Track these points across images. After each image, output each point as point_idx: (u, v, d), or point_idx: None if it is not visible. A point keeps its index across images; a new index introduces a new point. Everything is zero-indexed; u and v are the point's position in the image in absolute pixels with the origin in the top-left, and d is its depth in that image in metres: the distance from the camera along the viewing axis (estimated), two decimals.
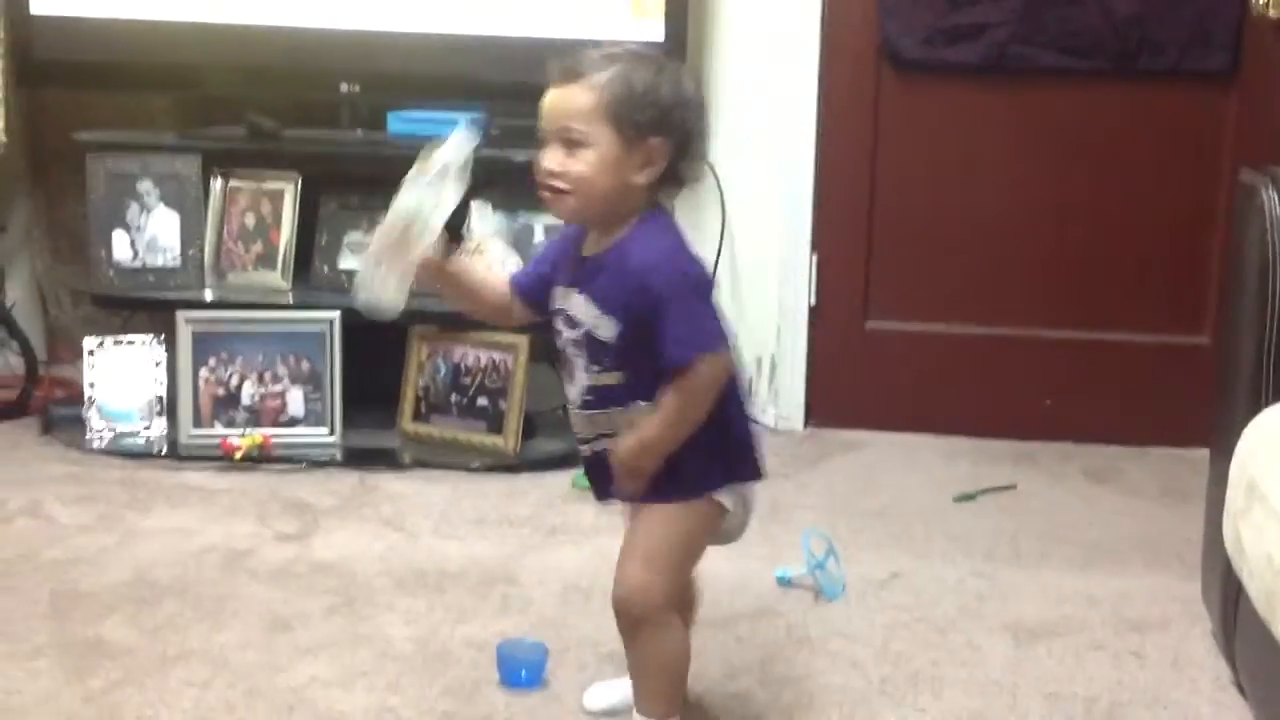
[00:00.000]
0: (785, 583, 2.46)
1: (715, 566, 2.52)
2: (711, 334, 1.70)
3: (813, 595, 2.42)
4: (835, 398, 3.41)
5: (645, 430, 1.73)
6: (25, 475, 2.91)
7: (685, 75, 1.78)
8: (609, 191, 1.71)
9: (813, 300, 3.38)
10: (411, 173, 1.75)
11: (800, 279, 3.36)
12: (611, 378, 1.75)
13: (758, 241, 3.35)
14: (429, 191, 1.73)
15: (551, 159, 1.71)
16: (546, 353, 3.22)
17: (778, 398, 3.41)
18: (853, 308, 3.38)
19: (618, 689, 2.00)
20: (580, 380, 1.78)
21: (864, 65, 3.28)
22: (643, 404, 1.75)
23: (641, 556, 1.81)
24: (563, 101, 1.71)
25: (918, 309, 3.37)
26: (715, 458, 1.79)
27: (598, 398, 1.78)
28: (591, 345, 1.75)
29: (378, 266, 1.75)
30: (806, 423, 3.41)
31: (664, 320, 1.68)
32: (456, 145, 1.75)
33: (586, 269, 1.77)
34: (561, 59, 1.74)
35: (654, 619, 1.81)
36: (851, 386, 3.40)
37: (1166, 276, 3.29)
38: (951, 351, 3.36)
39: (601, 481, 1.84)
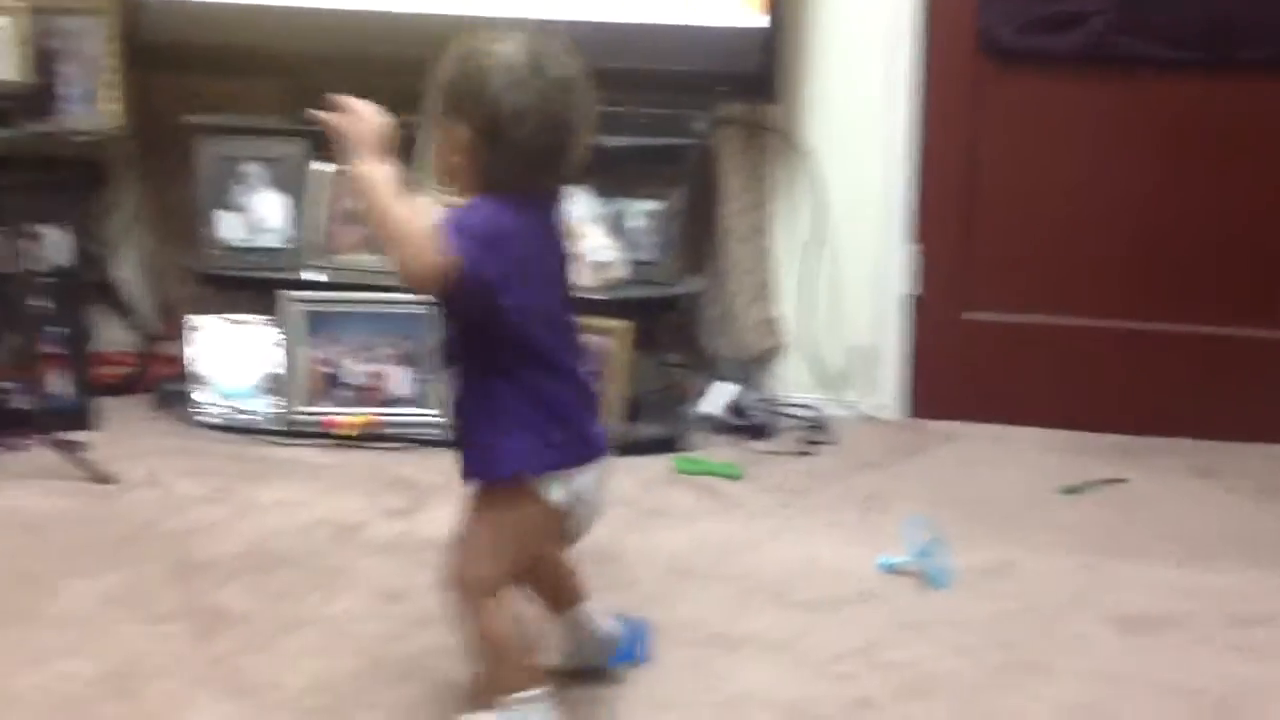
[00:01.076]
0: (889, 570, 2.46)
1: (814, 551, 2.55)
2: (444, 237, 1.65)
3: (917, 582, 2.42)
4: (933, 389, 3.40)
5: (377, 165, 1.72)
6: (141, 449, 2.98)
7: (504, 65, 1.72)
8: (443, 172, 1.76)
9: (911, 290, 3.37)
10: None
11: (898, 269, 3.36)
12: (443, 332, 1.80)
13: (856, 231, 3.35)
14: None
15: None
16: (642, 338, 3.27)
17: (874, 388, 3.41)
18: (951, 298, 3.37)
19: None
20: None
21: (963, 54, 3.27)
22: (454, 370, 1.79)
23: (460, 541, 1.82)
24: None
25: (1017, 300, 3.35)
26: (513, 430, 1.75)
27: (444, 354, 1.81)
28: None
29: None
30: (904, 413, 3.41)
31: None
32: None
33: None
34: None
35: (462, 604, 1.80)
36: (950, 377, 3.39)
37: (1273, 269, 3.25)
38: (1051, 343, 3.34)
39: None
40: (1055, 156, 3.29)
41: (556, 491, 1.77)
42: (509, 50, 1.73)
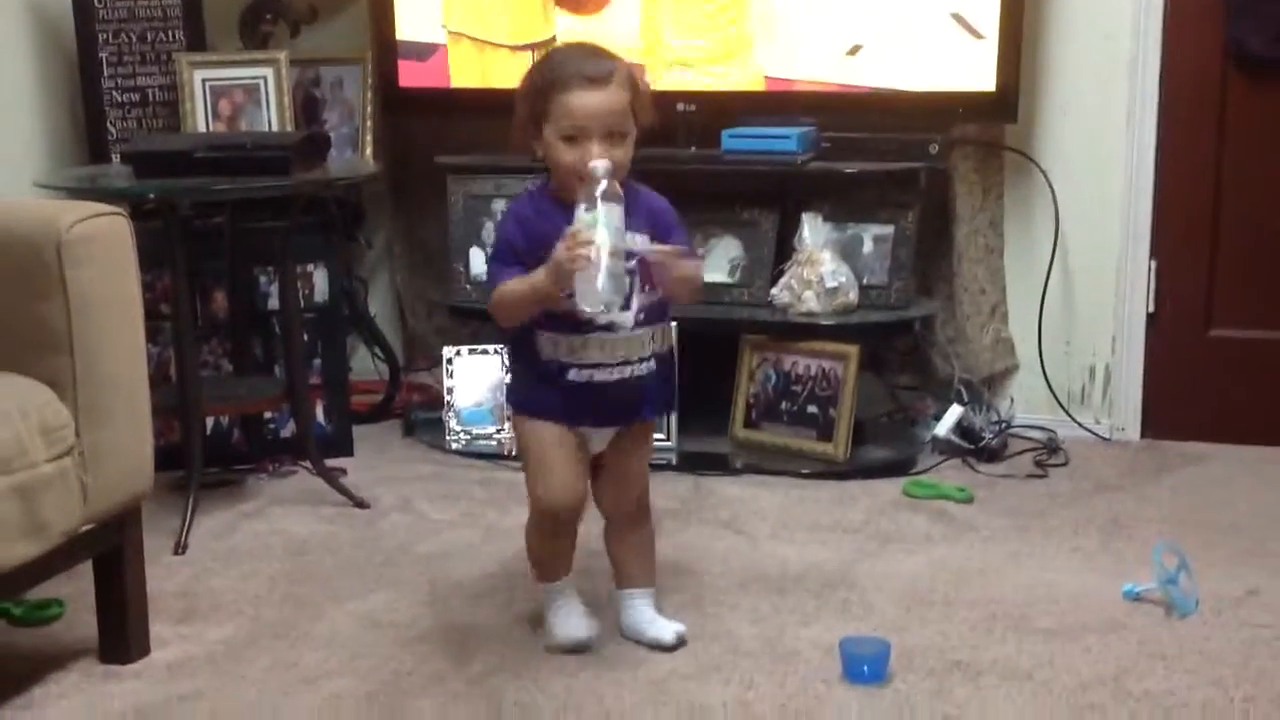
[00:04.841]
0: (1133, 597, 2.42)
1: (1054, 577, 2.52)
2: None
3: (1163, 610, 2.37)
4: (1175, 408, 3.31)
5: None
6: (394, 474, 3.15)
7: None
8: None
9: (1151, 307, 3.29)
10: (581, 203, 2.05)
11: (1138, 285, 3.28)
12: (655, 295, 2.15)
13: (1093, 246, 3.30)
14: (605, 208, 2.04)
15: (602, 152, 2.02)
16: (872, 362, 3.27)
17: (1112, 407, 3.34)
18: (1194, 315, 3.28)
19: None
20: (634, 304, 2.10)
21: (1208, 63, 3.18)
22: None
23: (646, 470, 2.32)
24: (608, 102, 2.03)
25: (1265, 316, 3.24)
26: None
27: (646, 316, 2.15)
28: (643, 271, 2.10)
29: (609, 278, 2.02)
30: (1143, 434, 3.32)
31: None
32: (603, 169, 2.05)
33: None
34: (579, 65, 2.06)
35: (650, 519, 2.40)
36: (1192, 397, 3.30)
37: None
38: None
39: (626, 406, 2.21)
40: None
41: None
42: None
